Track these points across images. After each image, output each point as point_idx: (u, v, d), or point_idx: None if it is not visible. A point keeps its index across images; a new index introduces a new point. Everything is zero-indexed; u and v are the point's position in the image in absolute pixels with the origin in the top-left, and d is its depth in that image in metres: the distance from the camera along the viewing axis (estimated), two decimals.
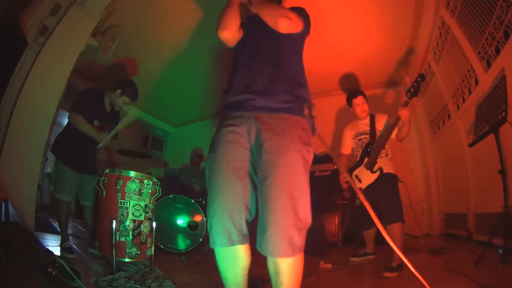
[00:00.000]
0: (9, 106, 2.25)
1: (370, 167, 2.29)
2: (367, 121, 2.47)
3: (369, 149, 2.33)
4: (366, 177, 2.31)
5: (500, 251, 1.83)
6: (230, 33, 1.28)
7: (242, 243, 1.07)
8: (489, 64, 2.31)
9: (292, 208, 0.98)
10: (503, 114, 1.85)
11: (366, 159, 2.34)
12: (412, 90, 2.09)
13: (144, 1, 2.90)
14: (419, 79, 2.07)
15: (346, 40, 3.35)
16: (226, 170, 1.07)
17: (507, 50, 2.04)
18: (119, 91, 2.41)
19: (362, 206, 2.30)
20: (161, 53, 3.66)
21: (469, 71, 2.65)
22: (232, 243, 1.05)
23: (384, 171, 2.25)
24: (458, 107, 3.02)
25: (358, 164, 2.40)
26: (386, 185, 2.23)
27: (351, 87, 3.85)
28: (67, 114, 2.41)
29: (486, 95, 2.20)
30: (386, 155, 2.34)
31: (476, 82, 2.55)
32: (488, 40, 2.27)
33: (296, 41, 1.29)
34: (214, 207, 1.05)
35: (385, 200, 2.15)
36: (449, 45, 2.89)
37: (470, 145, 2.42)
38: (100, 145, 2.33)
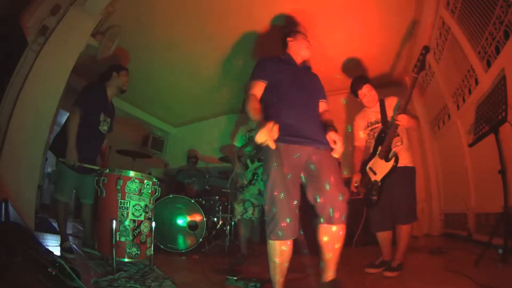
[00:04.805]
0: (9, 106, 2.25)
1: (385, 156, 2.10)
2: (377, 108, 2.28)
3: (382, 135, 2.15)
4: (381, 168, 2.11)
5: (500, 251, 1.83)
6: None
7: None
8: (489, 64, 2.31)
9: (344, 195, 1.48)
10: (503, 114, 1.85)
11: (379, 148, 2.15)
12: (418, 64, 1.95)
13: (144, 1, 2.89)
14: (424, 51, 1.94)
15: (346, 41, 3.35)
16: (291, 180, 1.46)
17: (507, 50, 2.04)
18: (114, 73, 2.46)
19: (377, 203, 2.12)
20: (161, 53, 3.66)
21: (469, 71, 2.65)
22: (298, 234, 1.42)
23: (401, 164, 2.08)
24: (458, 107, 3.02)
25: (372, 155, 2.21)
26: (399, 183, 2.09)
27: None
28: (67, 114, 2.41)
29: (486, 95, 2.20)
30: (402, 143, 2.17)
31: (476, 82, 2.55)
32: (488, 40, 2.27)
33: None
34: (286, 207, 1.40)
35: (398, 200, 2.07)
36: (449, 45, 2.89)
37: (470, 145, 2.42)
38: (62, 160, 2.23)
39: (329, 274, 1.46)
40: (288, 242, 1.42)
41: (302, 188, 1.55)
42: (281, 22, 3.05)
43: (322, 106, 1.76)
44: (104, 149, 2.64)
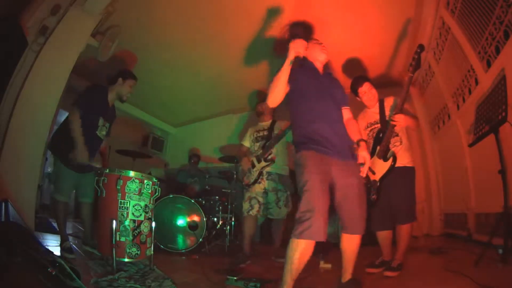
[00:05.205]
0: (9, 106, 2.25)
1: (383, 156, 2.11)
2: (376, 108, 2.28)
3: (380, 135, 2.16)
4: (379, 168, 2.12)
5: (500, 251, 1.83)
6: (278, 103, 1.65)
7: None
8: (489, 64, 2.31)
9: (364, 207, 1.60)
10: (503, 114, 1.85)
11: (378, 148, 2.15)
12: (414, 63, 1.92)
13: (144, 1, 2.90)
14: (419, 50, 1.90)
15: (346, 42, 3.35)
16: (323, 186, 1.47)
17: (507, 50, 2.04)
18: (120, 79, 2.40)
19: (377, 202, 2.14)
20: (161, 53, 3.66)
21: (469, 71, 2.65)
22: (326, 237, 1.41)
23: (400, 164, 2.08)
24: (458, 107, 3.02)
25: (370, 155, 2.14)
26: (398, 183, 2.09)
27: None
28: (67, 114, 2.40)
29: (486, 95, 2.20)
30: (401, 143, 2.17)
31: (476, 82, 2.55)
32: (488, 40, 2.27)
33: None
34: (322, 209, 1.41)
35: (397, 199, 2.07)
36: (449, 45, 2.89)
37: (470, 145, 2.42)
38: (73, 159, 2.18)
39: (348, 275, 1.61)
40: (312, 245, 1.42)
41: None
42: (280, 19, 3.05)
43: (346, 114, 1.76)
44: (104, 149, 2.63)
